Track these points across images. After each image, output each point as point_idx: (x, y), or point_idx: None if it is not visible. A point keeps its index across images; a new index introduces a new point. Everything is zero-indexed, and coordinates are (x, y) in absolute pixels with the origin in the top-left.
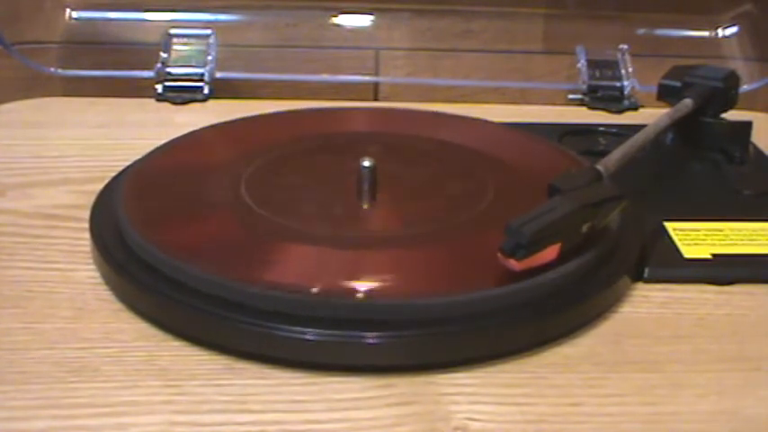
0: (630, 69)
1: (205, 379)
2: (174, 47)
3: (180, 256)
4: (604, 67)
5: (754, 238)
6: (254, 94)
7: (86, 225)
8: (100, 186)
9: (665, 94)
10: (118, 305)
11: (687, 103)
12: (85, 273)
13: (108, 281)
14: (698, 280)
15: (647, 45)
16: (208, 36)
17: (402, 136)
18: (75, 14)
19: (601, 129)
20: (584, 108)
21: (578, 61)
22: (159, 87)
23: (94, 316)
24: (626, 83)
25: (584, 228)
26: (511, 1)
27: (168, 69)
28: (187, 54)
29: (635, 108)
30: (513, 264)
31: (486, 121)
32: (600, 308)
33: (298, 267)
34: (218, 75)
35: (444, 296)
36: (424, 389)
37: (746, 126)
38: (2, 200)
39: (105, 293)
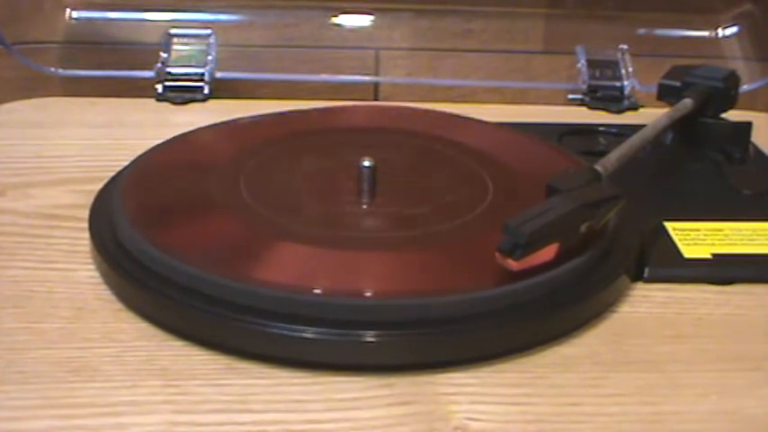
0: (630, 69)
1: (205, 379)
2: (174, 47)
3: (180, 255)
4: (604, 67)
5: (754, 238)
6: (254, 94)
7: (86, 225)
8: (100, 186)
9: (665, 94)
10: (118, 305)
11: (687, 103)
12: (85, 272)
13: (108, 281)
14: (698, 280)
15: (647, 45)
16: (208, 36)
17: (402, 136)
18: (75, 14)
19: (601, 129)
20: (584, 108)
21: (578, 61)
22: (159, 87)
23: (94, 316)
24: (626, 83)
25: (583, 228)
26: (511, 1)
27: (168, 69)
28: (187, 54)
29: (635, 108)
30: (511, 263)
31: (485, 122)
32: (600, 307)
33: (298, 267)
34: (218, 75)
35: (444, 296)
36: (424, 389)
37: (746, 126)
38: (2, 200)
39: (105, 293)
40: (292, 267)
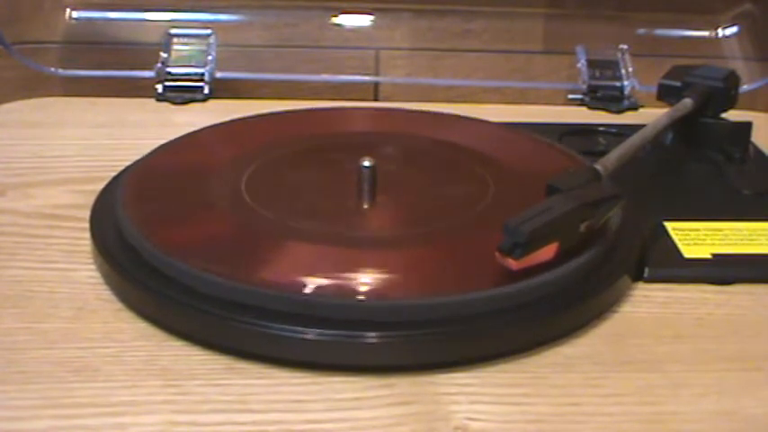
0: (630, 69)
1: (206, 379)
2: (174, 47)
3: (180, 255)
4: (604, 67)
5: (754, 238)
6: (254, 94)
7: (86, 225)
8: (100, 186)
9: (665, 94)
10: (118, 305)
11: (687, 102)
12: (85, 272)
13: (108, 281)
14: (698, 280)
15: (647, 45)
16: (208, 36)
17: (402, 136)
18: (75, 14)
19: (601, 129)
20: (584, 108)
21: (578, 61)
22: (159, 87)
23: (95, 316)
24: (626, 83)
25: (582, 227)
26: (511, 1)
27: (168, 69)
28: (187, 54)
29: (635, 108)
30: (511, 263)
31: (486, 121)
32: (600, 308)
33: (298, 267)
34: (218, 75)
35: (444, 296)
36: (424, 389)
37: (746, 126)
38: (2, 200)
39: (105, 293)
40: (292, 267)
